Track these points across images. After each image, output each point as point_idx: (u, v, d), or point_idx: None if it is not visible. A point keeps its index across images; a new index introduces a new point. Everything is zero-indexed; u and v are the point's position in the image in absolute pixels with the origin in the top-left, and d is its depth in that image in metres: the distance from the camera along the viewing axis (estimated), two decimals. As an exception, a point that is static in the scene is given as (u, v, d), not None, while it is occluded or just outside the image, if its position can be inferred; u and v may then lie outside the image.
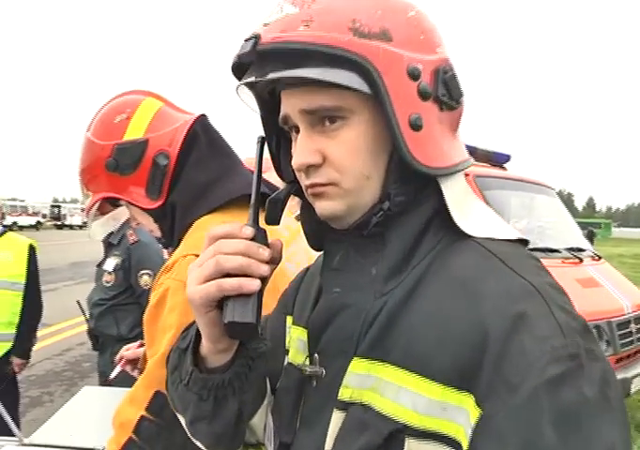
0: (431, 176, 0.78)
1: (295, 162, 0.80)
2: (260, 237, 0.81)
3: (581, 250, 5.79)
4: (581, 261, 5.53)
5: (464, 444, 0.66)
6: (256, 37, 0.76)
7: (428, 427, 0.69)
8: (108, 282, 3.65)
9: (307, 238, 0.93)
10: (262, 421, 0.97)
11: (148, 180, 1.50)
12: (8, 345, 4.04)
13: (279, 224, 0.90)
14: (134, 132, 1.52)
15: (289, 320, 1.02)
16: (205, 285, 0.78)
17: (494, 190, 5.64)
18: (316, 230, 0.90)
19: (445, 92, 0.79)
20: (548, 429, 0.60)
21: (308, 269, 1.08)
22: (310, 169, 0.79)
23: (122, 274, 3.61)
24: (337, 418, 0.78)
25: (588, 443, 0.60)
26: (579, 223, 6.92)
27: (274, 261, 0.82)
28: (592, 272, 5.48)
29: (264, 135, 0.92)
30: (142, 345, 2.08)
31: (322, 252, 0.93)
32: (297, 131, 0.82)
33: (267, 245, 0.82)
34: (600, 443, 0.60)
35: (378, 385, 0.75)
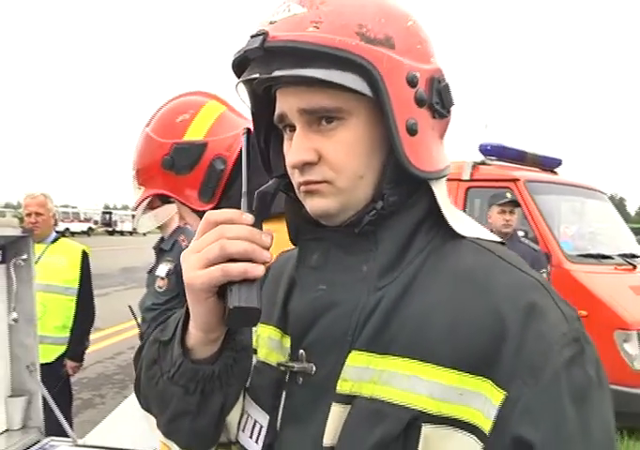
0: (422, 179, 0.81)
1: (291, 160, 0.81)
2: (257, 225, 0.80)
3: (634, 257, 5.66)
4: (634, 267, 5.40)
5: (484, 427, 0.70)
6: (264, 34, 0.76)
7: (444, 412, 0.71)
8: (161, 287, 3.70)
9: (290, 234, 0.92)
10: (235, 418, 0.94)
11: (203, 182, 1.52)
12: (63, 348, 4.16)
13: (267, 217, 0.87)
14: (194, 134, 1.54)
15: None
16: (207, 270, 0.76)
17: (544, 195, 5.57)
18: (302, 226, 0.90)
19: (438, 100, 0.82)
20: (569, 406, 0.68)
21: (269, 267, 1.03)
22: (305, 166, 0.80)
23: (175, 278, 3.66)
24: (338, 412, 0.77)
25: (596, 416, 0.71)
26: (632, 229, 6.78)
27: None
28: (646, 279, 5.35)
29: (249, 127, 0.92)
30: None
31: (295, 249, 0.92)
32: (292, 130, 0.82)
33: None
34: (601, 415, 0.71)
35: (379, 377, 0.76)
